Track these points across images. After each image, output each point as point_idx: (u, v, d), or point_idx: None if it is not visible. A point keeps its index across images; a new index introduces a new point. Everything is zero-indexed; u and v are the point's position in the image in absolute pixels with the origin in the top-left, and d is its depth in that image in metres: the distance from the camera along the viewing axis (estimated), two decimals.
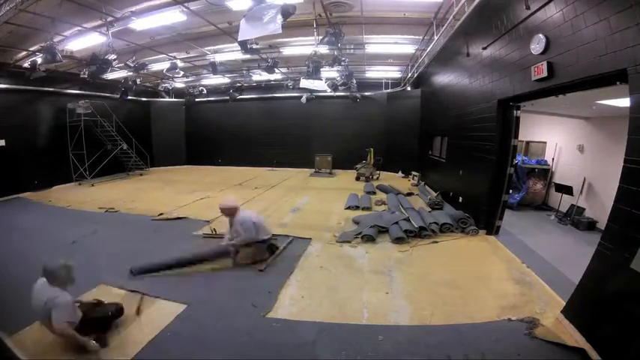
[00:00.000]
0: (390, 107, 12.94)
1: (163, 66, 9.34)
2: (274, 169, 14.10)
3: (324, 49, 7.59)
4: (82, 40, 7.08)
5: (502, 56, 4.64)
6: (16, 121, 8.92)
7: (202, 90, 13.41)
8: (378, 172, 11.67)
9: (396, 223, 5.41)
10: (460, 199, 6.48)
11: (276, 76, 11.15)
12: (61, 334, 2.49)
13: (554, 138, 7.24)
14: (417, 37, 7.49)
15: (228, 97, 12.89)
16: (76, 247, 4.87)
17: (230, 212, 4.16)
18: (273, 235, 4.56)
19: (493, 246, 4.87)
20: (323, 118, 13.86)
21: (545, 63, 3.46)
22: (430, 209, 6.64)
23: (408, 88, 11.96)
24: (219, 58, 9.10)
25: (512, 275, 3.87)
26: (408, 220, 5.55)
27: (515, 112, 4.81)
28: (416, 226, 5.26)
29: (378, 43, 8.33)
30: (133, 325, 2.87)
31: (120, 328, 2.80)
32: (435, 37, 6.49)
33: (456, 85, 7.01)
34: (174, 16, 6.17)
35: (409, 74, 11.08)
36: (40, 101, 9.73)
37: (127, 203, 7.69)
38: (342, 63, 8.30)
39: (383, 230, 5.34)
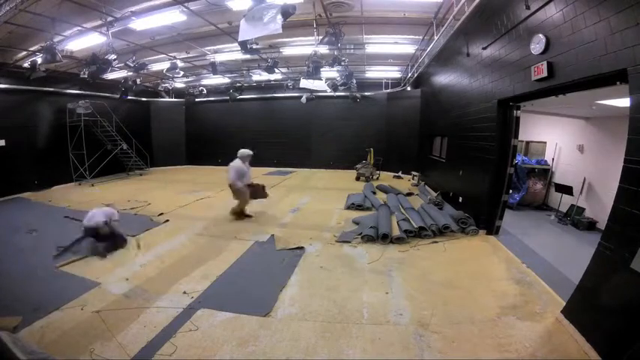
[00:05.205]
0: (390, 107, 12.93)
1: (163, 66, 9.35)
2: (275, 170, 14.09)
3: (324, 49, 7.60)
4: (82, 40, 7.07)
5: (502, 56, 4.64)
6: (16, 121, 8.92)
7: (202, 90, 13.40)
8: (378, 172, 11.67)
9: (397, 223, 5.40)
10: (460, 199, 6.48)
11: (276, 76, 11.14)
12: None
13: (554, 138, 7.24)
14: (417, 37, 7.49)
15: (228, 97, 12.85)
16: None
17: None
18: (272, 234, 4.54)
19: (493, 246, 4.87)
20: (323, 118, 13.85)
21: (545, 63, 3.46)
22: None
23: (408, 88, 11.95)
24: (219, 58, 9.10)
25: (512, 275, 3.87)
26: (407, 220, 5.55)
27: (515, 112, 4.81)
28: (416, 226, 5.26)
29: (378, 43, 8.33)
30: (134, 324, 2.88)
31: None
32: (435, 37, 6.49)
33: (456, 85, 7.01)
34: (174, 16, 6.17)
35: (409, 74, 11.08)
36: (40, 101, 9.73)
37: (126, 203, 7.68)
38: (342, 63, 8.30)
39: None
